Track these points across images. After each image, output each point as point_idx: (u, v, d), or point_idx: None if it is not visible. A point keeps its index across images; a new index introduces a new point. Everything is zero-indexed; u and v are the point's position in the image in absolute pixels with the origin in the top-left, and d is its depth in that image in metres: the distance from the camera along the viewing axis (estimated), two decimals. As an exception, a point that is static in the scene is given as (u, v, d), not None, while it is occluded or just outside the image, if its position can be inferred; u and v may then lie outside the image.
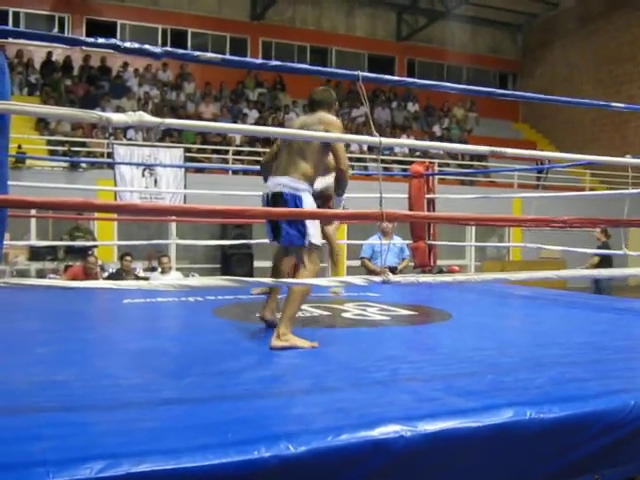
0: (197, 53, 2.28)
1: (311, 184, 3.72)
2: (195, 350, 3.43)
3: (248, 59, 2.65)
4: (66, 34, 17.40)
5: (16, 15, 17.68)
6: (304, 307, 5.03)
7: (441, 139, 19.34)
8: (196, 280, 2.38)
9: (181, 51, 2.31)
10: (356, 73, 2.40)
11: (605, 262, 9.47)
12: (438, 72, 23.06)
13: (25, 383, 2.59)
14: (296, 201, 3.59)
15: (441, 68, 23.42)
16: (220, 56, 2.28)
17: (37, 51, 16.93)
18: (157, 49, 2.19)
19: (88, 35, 17.81)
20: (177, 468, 1.76)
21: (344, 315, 4.76)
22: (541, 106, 21.67)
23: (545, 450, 2.22)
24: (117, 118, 2.20)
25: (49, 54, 17.07)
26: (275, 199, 3.67)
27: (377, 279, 2.78)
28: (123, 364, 3.04)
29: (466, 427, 2.13)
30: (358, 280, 2.70)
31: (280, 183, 3.66)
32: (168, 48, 2.21)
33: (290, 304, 3.58)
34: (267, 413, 2.25)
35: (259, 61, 2.44)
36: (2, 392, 2.47)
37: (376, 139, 2.54)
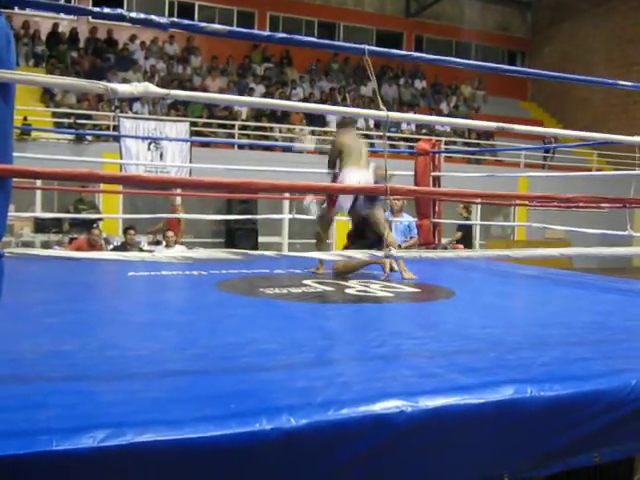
0: (203, 24, 2.26)
1: None
2: (199, 323, 3.44)
3: (255, 31, 2.62)
4: (73, 5, 17.35)
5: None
6: (307, 282, 5.05)
7: (448, 116, 19.25)
8: (199, 252, 2.38)
9: (187, 22, 2.29)
10: (362, 47, 2.38)
11: (467, 236, 11.46)
12: (447, 49, 22.90)
13: (30, 352, 2.60)
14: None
15: (450, 45, 23.26)
16: (227, 28, 2.26)
17: (43, 22, 16.85)
18: (163, 19, 2.18)
19: (95, 6, 17.69)
20: (179, 439, 1.77)
21: (347, 291, 4.76)
22: (550, 85, 21.55)
23: (545, 428, 2.23)
24: (123, 89, 2.19)
25: (55, 25, 17.00)
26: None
27: (379, 253, 2.78)
28: (128, 335, 3.06)
29: (467, 403, 2.14)
30: (361, 254, 2.70)
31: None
32: (174, 19, 2.20)
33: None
34: (269, 386, 2.25)
35: (266, 33, 2.42)
36: (8, 361, 2.49)
37: (383, 113, 2.52)
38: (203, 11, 19.82)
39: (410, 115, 3.14)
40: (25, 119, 12.34)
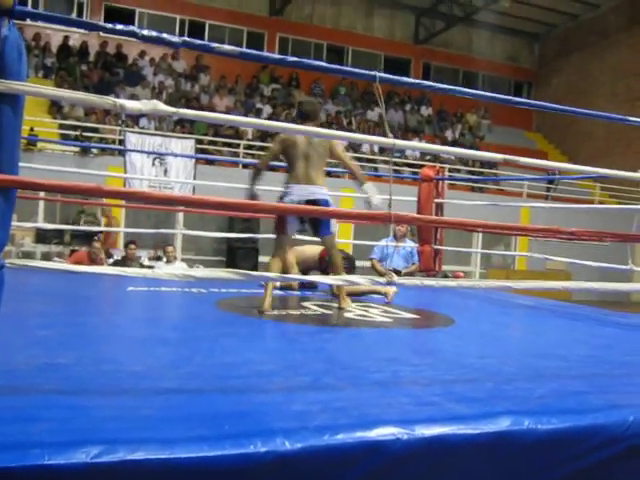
0: (215, 45, 2.28)
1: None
2: (196, 341, 3.43)
3: (266, 53, 2.64)
4: (87, 20, 17.51)
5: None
6: (307, 305, 5.04)
7: (453, 144, 19.33)
8: (200, 271, 2.38)
9: (199, 41, 2.31)
10: (373, 73, 2.40)
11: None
12: (454, 77, 23.05)
13: (25, 364, 2.59)
14: (328, 204, 4.66)
15: (457, 73, 23.40)
16: (238, 49, 2.27)
17: (54, 35, 16.97)
18: (175, 38, 2.19)
19: (107, 21, 17.86)
20: (171, 458, 1.75)
21: (346, 315, 4.75)
22: (555, 116, 21.63)
23: (542, 461, 2.21)
24: (131, 105, 2.20)
25: (66, 38, 17.12)
26: (311, 204, 4.50)
27: (381, 280, 2.78)
28: (124, 351, 3.05)
29: (463, 433, 2.12)
30: (362, 280, 2.70)
31: (313, 192, 4.65)
32: (186, 38, 2.22)
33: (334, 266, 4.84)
34: (265, 408, 2.24)
35: (277, 56, 2.43)
36: (2, 372, 2.48)
37: (390, 141, 2.53)
38: (213, 30, 19.98)
39: (416, 143, 3.15)
40: (32, 130, 12.38)
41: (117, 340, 3.35)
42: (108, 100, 2.17)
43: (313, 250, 6.26)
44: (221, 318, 4.37)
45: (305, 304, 5.08)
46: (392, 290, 5.48)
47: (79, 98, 2.25)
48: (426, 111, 21.54)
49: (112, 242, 11.79)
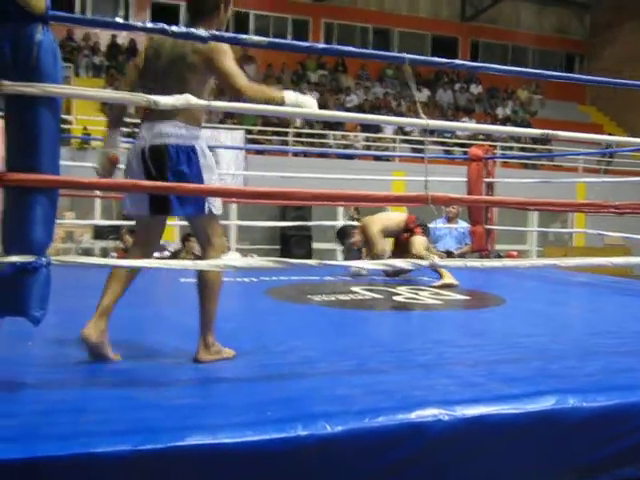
0: (243, 36, 2.30)
1: (200, 127, 2.81)
2: (243, 329, 3.48)
3: (293, 42, 2.63)
4: (131, 17, 17.79)
5: (83, -3, 18.04)
6: (356, 289, 5.06)
7: (505, 122, 19.01)
8: (240, 261, 2.42)
9: (228, 35, 2.34)
10: (402, 55, 2.39)
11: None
12: (503, 54, 22.60)
13: (75, 358, 2.67)
14: (189, 154, 2.69)
15: (506, 49, 22.94)
16: (266, 39, 2.30)
17: (103, 34, 17.22)
18: (204, 33, 2.23)
19: (153, 16, 18.09)
20: (214, 443, 1.80)
21: (395, 298, 4.76)
22: (609, 88, 21.00)
23: (588, 439, 2.19)
24: (165, 101, 2.25)
25: (114, 37, 17.38)
26: (156, 154, 2.67)
27: (424, 263, 2.77)
28: (173, 341, 3.11)
29: (505, 413, 2.12)
30: (404, 263, 2.70)
31: (162, 132, 2.68)
32: (215, 32, 2.24)
33: (210, 301, 2.84)
34: (308, 393, 2.28)
35: (306, 44, 2.45)
36: (53, 366, 2.57)
37: (423, 122, 2.52)
38: (258, 20, 20.01)
39: (450, 123, 3.14)
40: (85, 129, 12.66)
41: (166, 331, 3.42)
42: (142, 97, 2.22)
43: (399, 217, 6.20)
44: (270, 306, 4.42)
45: (355, 289, 5.09)
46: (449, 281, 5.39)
47: (112, 97, 2.31)
48: (476, 89, 21.19)
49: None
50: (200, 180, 2.68)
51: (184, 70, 2.67)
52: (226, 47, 2.63)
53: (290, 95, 2.71)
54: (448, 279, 5.34)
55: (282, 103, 2.66)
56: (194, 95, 2.37)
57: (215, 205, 2.80)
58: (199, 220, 2.82)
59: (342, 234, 6.27)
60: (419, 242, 5.83)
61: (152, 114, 2.65)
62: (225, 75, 2.65)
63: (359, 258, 7.22)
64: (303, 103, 2.72)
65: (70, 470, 1.68)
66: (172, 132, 2.66)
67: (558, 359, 2.87)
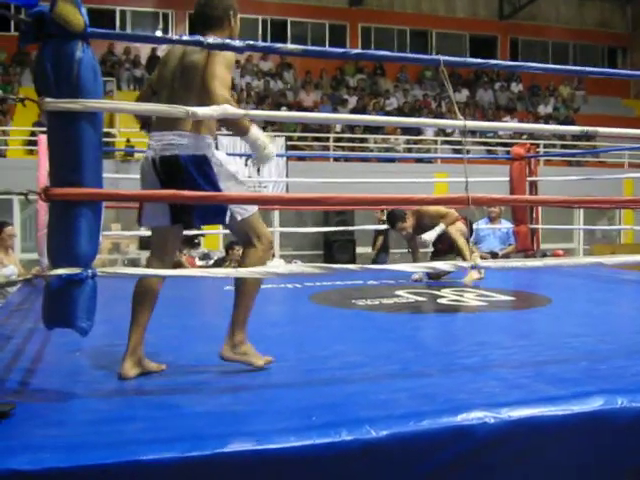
0: (278, 45, 2.33)
1: (213, 136, 2.73)
2: (288, 336, 3.50)
3: (328, 48, 2.67)
4: (170, 30, 18.04)
5: (123, 14, 18.36)
6: (400, 292, 5.04)
7: (547, 120, 18.76)
8: (282, 268, 2.43)
9: (262, 44, 2.37)
10: (437, 57, 2.38)
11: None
12: (543, 50, 22.32)
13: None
14: (201, 164, 2.61)
15: (546, 46, 22.63)
16: (301, 47, 2.31)
17: (143, 47, 17.47)
18: (239, 43, 2.25)
19: (191, 30, 18.30)
20: (260, 449, 1.82)
21: (440, 301, 4.73)
22: (655, 81, 20.62)
23: (634, 441, 2.15)
24: (203, 112, 2.28)
25: (154, 50, 17.63)
26: (166, 166, 2.61)
27: (465, 264, 2.76)
28: (218, 349, 3.13)
29: (552, 415, 2.09)
30: (445, 265, 2.69)
31: (171, 143, 2.60)
32: (250, 41, 2.27)
33: (245, 300, 2.85)
34: (353, 398, 2.28)
35: (340, 50, 2.45)
36: (101, 375, 2.62)
37: (460, 123, 2.51)
38: (295, 27, 20.11)
39: (488, 123, 3.10)
40: (128, 141, 12.86)
41: (210, 340, 3.45)
42: (180, 109, 2.25)
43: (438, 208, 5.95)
44: (314, 312, 4.43)
45: (399, 292, 5.08)
46: (475, 275, 5.33)
47: (150, 109, 2.35)
48: (516, 87, 20.96)
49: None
50: (216, 189, 2.60)
51: (196, 77, 2.59)
52: (228, 55, 2.54)
53: (256, 130, 2.63)
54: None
55: (246, 132, 2.59)
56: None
57: (245, 208, 2.73)
58: (234, 226, 2.78)
59: (393, 217, 6.13)
60: (456, 228, 5.79)
61: (161, 123, 2.63)
62: (209, 74, 2.50)
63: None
64: (263, 143, 2.65)
65: (118, 478, 1.71)
66: (182, 142, 2.59)
67: (606, 359, 2.82)
